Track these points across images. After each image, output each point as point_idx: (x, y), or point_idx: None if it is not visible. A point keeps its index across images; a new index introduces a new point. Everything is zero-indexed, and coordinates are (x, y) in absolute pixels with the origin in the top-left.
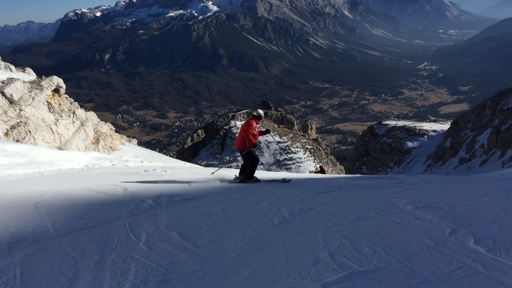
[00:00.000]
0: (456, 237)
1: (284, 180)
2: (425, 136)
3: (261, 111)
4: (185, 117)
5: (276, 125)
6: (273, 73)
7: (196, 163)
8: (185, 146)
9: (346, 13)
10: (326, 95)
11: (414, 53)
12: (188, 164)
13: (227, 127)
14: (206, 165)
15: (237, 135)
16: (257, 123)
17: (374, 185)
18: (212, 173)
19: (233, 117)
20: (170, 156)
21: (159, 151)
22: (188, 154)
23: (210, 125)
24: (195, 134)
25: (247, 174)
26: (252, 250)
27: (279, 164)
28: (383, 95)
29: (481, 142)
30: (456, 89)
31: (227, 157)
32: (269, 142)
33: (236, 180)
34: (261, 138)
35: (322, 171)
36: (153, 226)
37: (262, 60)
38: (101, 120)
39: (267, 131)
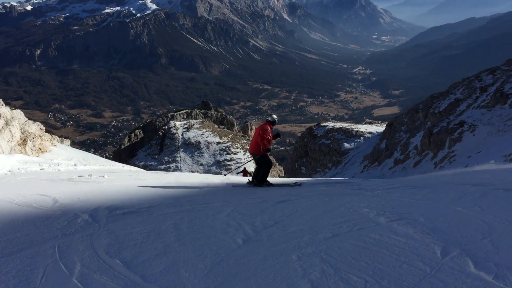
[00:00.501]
0: (452, 259)
1: (295, 184)
2: (362, 138)
3: (275, 117)
4: (122, 117)
5: (216, 126)
6: (213, 74)
7: (134, 164)
8: (122, 147)
9: (285, 16)
10: (265, 97)
11: (350, 57)
12: (127, 167)
13: (166, 127)
14: (144, 166)
15: (176, 135)
16: (271, 128)
17: (334, 192)
18: (225, 175)
19: (172, 117)
20: (106, 156)
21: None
22: (125, 155)
23: (149, 125)
24: (133, 134)
25: (260, 178)
26: (217, 284)
27: (219, 165)
28: (320, 97)
29: (414, 144)
30: (388, 92)
31: (166, 158)
32: (209, 143)
33: (250, 184)
34: (200, 139)
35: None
36: (89, 251)
37: (202, 60)
38: (30, 119)
39: (277, 135)
